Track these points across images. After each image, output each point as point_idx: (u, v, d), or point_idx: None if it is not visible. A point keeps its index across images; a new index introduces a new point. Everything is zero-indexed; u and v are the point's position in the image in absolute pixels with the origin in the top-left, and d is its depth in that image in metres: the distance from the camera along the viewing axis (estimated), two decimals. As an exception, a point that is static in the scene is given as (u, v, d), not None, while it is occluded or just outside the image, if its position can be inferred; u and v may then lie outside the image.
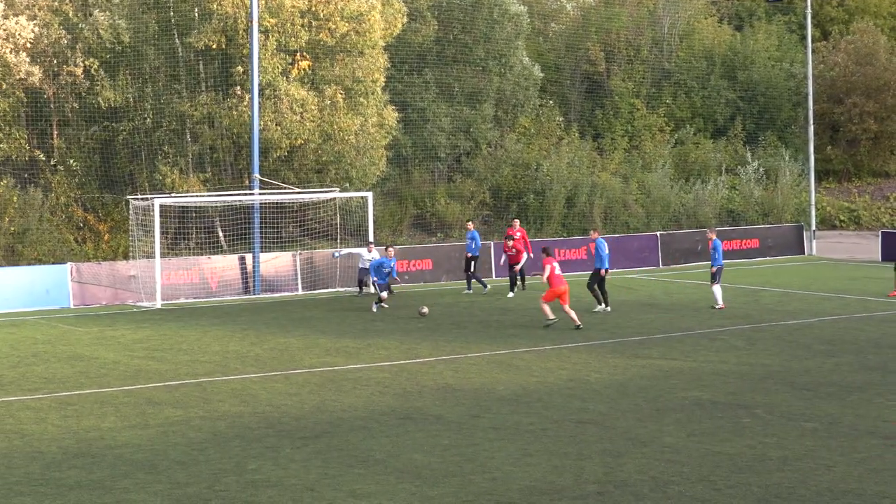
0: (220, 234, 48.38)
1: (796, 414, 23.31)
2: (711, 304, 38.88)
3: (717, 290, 38.82)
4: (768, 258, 55.48)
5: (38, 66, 45.74)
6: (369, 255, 42.22)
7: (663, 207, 59.43)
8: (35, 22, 46.20)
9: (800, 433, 21.61)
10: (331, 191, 46.53)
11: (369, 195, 45.77)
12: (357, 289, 43.97)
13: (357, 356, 30.57)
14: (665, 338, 33.09)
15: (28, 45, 45.31)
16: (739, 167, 63.58)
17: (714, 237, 39.50)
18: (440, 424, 22.72)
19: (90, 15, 47.40)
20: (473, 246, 43.99)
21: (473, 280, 44.12)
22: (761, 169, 62.72)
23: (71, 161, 47.89)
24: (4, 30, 44.44)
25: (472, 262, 43.95)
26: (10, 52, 44.68)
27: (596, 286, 38.66)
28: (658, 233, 54.37)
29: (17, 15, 45.67)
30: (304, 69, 48.62)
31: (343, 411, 24.00)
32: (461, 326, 35.35)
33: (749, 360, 29.36)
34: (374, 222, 46.49)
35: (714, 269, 38.86)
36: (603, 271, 38.57)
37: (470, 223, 45.84)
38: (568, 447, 20.84)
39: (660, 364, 29.02)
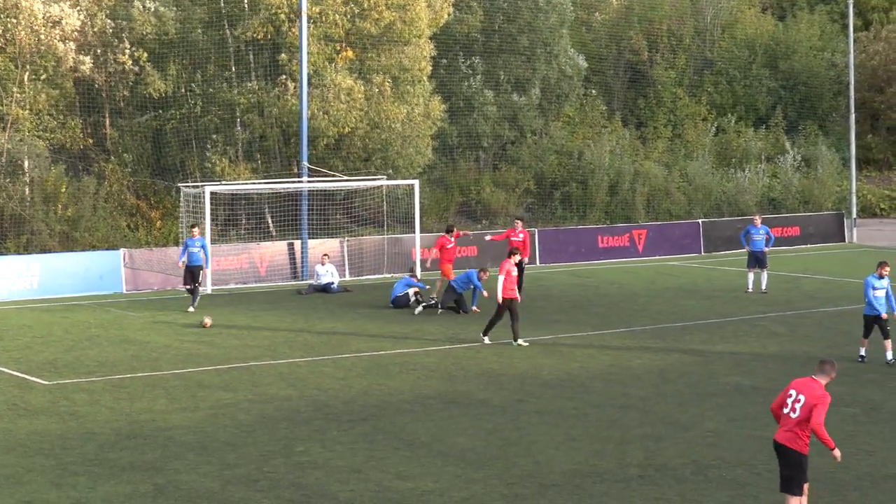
0: (270, 220, 48.49)
1: (837, 399, 23.05)
2: (764, 290, 38.96)
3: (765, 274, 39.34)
4: (809, 245, 55.18)
5: (87, 56, 45.92)
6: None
7: (705, 195, 59.16)
8: (80, 10, 46.31)
9: (840, 418, 21.50)
10: (378, 179, 46.54)
11: (415, 183, 45.72)
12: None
13: (403, 341, 30.60)
14: (706, 324, 32.97)
15: (75, 35, 45.47)
16: (778, 156, 63.24)
17: (760, 223, 39.70)
18: (485, 408, 22.73)
19: (132, 6, 47.56)
20: (202, 256, 36.62)
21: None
22: (798, 157, 62.34)
23: (124, 154, 48.01)
24: (48, 17, 44.60)
25: (197, 273, 36.45)
26: (59, 39, 44.86)
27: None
28: (700, 220, 54.16)
29: (58, 2, 45.75)
30: (348, 58, 48.60)
31: (389, 395, 24.04)
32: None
33: (790, 347, 29.23)
34: (421, 209, 46.40)
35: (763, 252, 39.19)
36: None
37: (195, 229, 37.23)
38: (610, 431, 20.83)
39: (701, 350, 28.93)
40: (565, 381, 25.39)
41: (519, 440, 20.25)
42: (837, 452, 15.37)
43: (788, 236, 54.74)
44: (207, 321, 32.85)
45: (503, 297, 29.35)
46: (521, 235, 38.77)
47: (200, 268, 36.69)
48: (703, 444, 19.94)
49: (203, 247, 36.82)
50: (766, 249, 39.38)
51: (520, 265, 33.76)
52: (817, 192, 61.15)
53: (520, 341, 29.65)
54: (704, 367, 26.77)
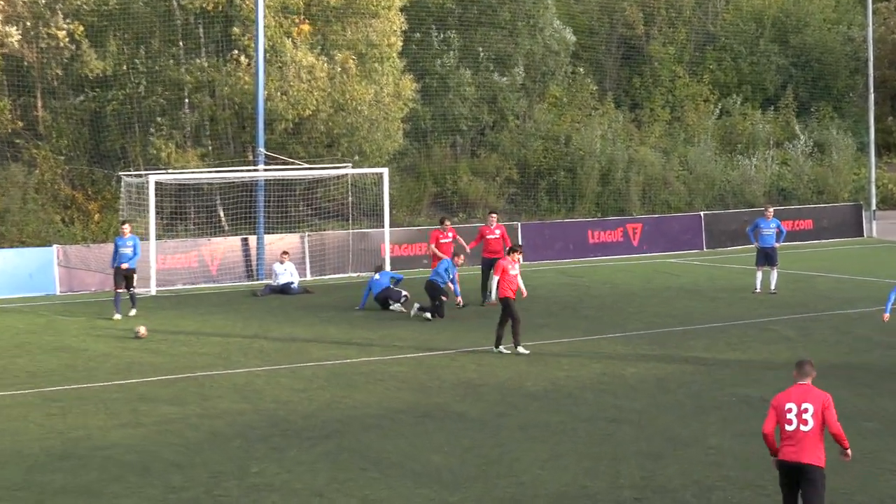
0: (221, 213, 48.38)
1: (855, 413, 23.17)
2: (773, 291, 38.98)
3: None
4: (823, 240, 55.32)
5: (15, 28, 45.71)
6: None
7: (707, 185, 59.29)
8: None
9: (859, 434, 21.48)
10: (343, 166, 46.44)
11: (385, 171, 45.63)
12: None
13: (370, 348, 30.53)
14: (709, 328, 32.98)
15: (1, 5, 45.26)
16: (789, 141, 63.37)
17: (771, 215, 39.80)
18: (462, 423, 22.67)
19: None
20: (132, 255, 36.01)
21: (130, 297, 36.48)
22: (811, 142, 62.49)
23: (59, 139, 47.81)
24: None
25: (131, 276, 36.01)
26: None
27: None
28: (702, 213, 54.23)
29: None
30: (304, 32, 48.43)
31: (355, 409, 23.96)
32: (483, 315, 35.19)
33: (803, 353, 29.16)
34: (390, 201, 46.31)
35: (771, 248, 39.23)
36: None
37: (126, 226, 36.73)
38: (602, 448, 20.77)
39: (703, 357, 28.92)
40: (552, 391, 25.34)
41: (500, 458, 20.19)
42: (849, 451, 15.45)
43: (800, 230, 54.92)
44: (142, 331, 32.45)
45: (499, 296, 29.43)
46: (497, 232, 37.62)
47: (134, 269, 36.14)
48: (705, 462, 19.90)
49: (135, 246, 36.13)
50: (777, 245, 39.41)
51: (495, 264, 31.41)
52: (832, 181, 61.34)
53: (501, 348, 29.59)
54: (707, 376, 26.76)
